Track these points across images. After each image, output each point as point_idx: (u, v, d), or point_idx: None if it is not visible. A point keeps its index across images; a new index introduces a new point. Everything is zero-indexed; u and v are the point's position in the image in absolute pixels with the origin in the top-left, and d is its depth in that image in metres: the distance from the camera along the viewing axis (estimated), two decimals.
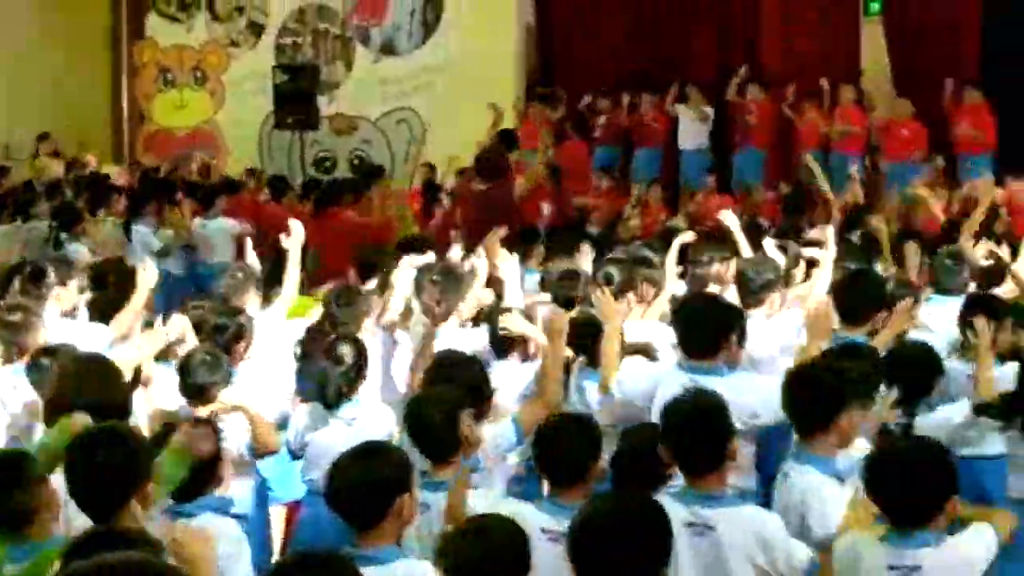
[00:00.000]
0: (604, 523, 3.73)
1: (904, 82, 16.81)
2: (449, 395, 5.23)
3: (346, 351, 6.22)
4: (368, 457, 4.37)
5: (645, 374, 6.17)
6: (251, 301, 7.72)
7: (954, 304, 7.29)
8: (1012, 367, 6.23)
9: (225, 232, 13.32)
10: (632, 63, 17.14)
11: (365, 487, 4.24)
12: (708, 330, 5.85)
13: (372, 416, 6.19)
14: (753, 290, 7.12)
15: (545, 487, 5.07)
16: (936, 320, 7.25)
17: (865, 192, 13.68)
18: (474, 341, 6.84)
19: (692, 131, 16.18)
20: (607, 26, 17.18)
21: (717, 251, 8.30)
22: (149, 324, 6.70)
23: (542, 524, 4.55)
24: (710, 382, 5.49)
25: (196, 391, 6.10)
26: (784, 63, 16.71)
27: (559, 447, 4.81)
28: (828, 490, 4.74)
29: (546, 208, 13.76)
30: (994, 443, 6.20)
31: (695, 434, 4.64)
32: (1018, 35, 16.46)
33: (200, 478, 4.85)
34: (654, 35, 17.25)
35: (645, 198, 14.46)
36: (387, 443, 4.99)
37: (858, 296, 6.70)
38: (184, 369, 6.13)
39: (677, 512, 4.26)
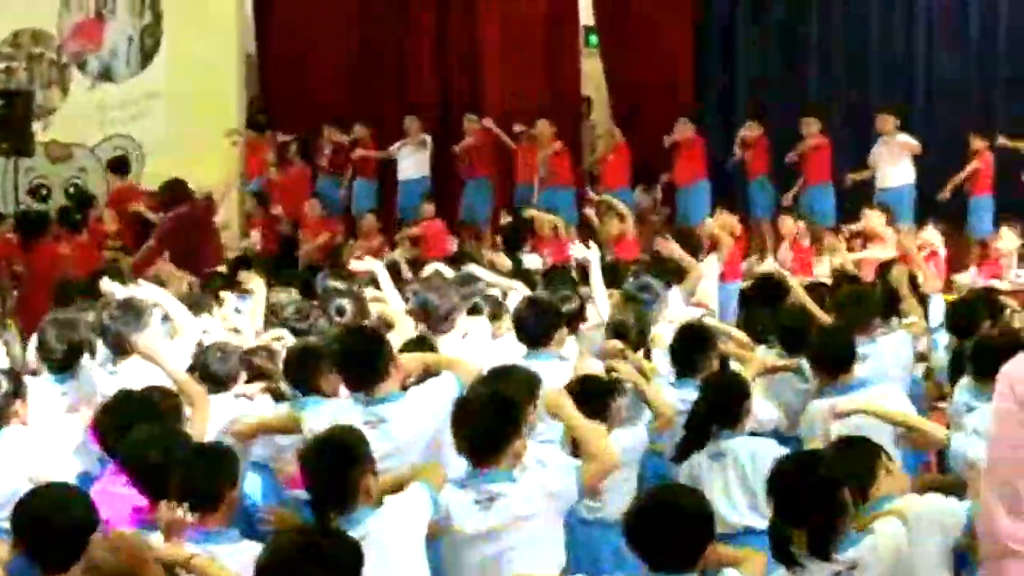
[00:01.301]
0: (288, 558, 3.80)
1: (623, 113, 17.28)
2: (162, 432, 5.13)
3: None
4: (63, 497, 4.34)
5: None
6: None
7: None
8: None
9: None
10: (353, 92, 17.18)
11: (63, 527, 4.18)
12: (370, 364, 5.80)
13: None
14: (441, 316, 7.24)
15: None
16: None
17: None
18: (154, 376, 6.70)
19: (411, 161, 16.19)
20: (328, 55, 17.21)
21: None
22: None
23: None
24: (384, 410, 5.58)
25: None
26: (505, 93, 16.92)
27: (192, 475, 4.76)
28: None
29: (255, 235, 13.76)
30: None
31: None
32: (729, 69, 17.19)
33: None
34: (376, 65, 17.30)
35: (370, 226, 14.50)
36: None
37: (534, 320, 6.87)
38: None
39: None
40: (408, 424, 5.54)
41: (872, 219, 12.61)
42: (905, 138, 14.22)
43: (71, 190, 17.35)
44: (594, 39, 18.12)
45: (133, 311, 7.04)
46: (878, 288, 8.50)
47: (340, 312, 7.51)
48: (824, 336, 6.92)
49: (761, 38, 17.05)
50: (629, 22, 17.18)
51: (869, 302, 7.81)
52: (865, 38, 16.39)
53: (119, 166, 15.65)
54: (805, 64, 16.70)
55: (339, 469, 4.61)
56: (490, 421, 4.94)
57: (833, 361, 6.55)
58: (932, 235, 12.35)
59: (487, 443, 4.92)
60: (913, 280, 9.49)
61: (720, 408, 5.95)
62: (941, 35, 16.06)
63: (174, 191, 11.94)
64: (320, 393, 6.25)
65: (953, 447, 5.60)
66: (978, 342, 6.66)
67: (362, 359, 5.75)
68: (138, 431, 5.15)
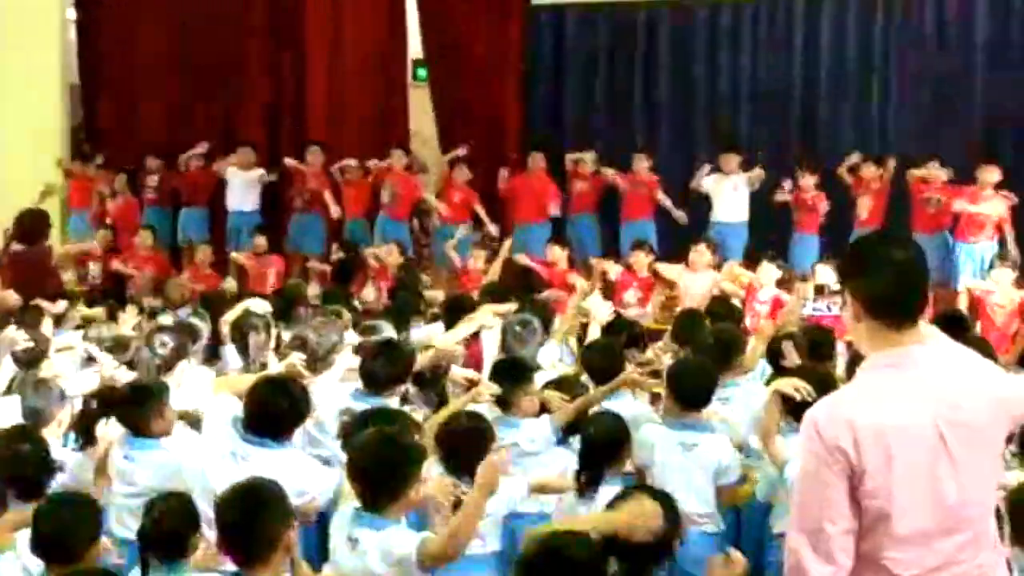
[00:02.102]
0: None
1: (451, 148, 17.39)
2: None
3: None
4: None
5: None
6: None
7: None
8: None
9: None
10: (180, 123, 17.00)
11: None
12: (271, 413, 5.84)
13: None
14: (321, 355, 7.26)
15: None
16: None
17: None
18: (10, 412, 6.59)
19: (242, 193, 15.98)
20: (155, 85, 16.98)
21: None
22: None
23: None
24: (263, 454, 5.63)
25: None
26: (333, 125, 16.89)
27: (55, 525, 4.73)
28: None
29: (93, 267, 13.56)
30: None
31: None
32: (557, 111, 17.45)
33: None
34: (203, 94, 17.11)
35: (202, 259, 14.32)
36: None
37: (384, 365, 6.93)
38: None
39: None
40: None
41: (704, 255, 12.72)
42: (748, 176, 14.60)
43: None
44: (422, 72, 18.23)
45: None
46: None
47: (163, 345, 7.44)
48: (690, 370, 6.86)
49: (586, 64, 17.36)
50: (459, 54, 17.33)
51: (738, 341, 7.85)
52: (690, 58, 16.80)
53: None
54: (631, 80, 17.02)
55: (253, 520, 4.45)
56: (388, 469, 4.83)
57: (694, 397, 6.60)
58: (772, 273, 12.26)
59: (382, 491, 4.82)
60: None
61: (608, 450, 5.98)
62: (766, 45, 16.56)
63: (35, 222, 11.56)
64: (150, 434, 6.20)
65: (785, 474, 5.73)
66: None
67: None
68: None
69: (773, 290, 11.81)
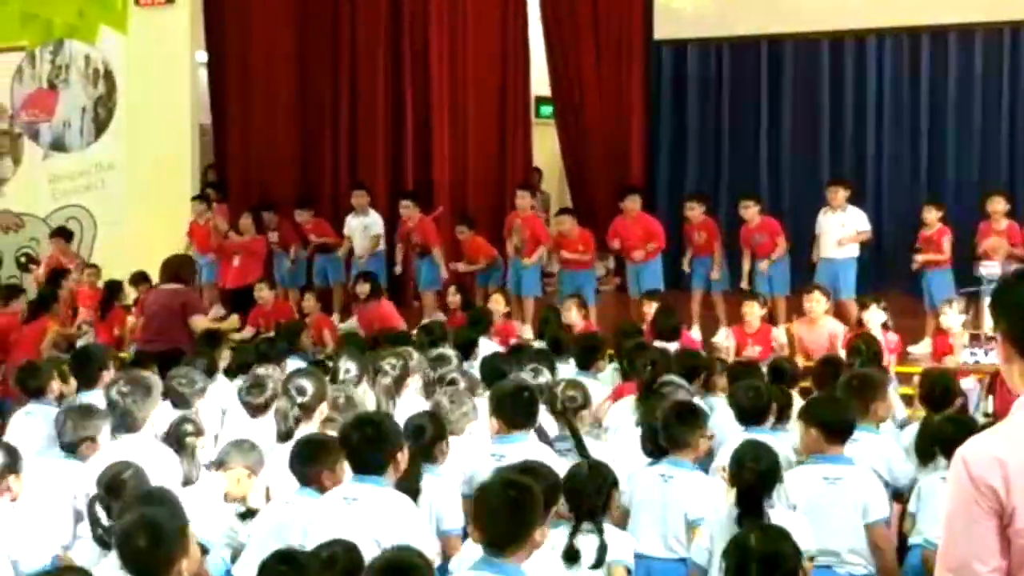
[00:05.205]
0: None
1: (576, 183, 17.43)
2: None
3: None
4: None
5: None
6: None
7: None
8: None
9: None
10: (305, 165, 17.17)
11: None
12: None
13: None
14: (451, 420, 7.15)
15: None
16: None
17: None
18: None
19: (362, 238, 15.54)
20: (282, 131, 17.16)
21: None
22: None
23: None
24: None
25: None
26: (456, 164, 16.93)
27: (136, 545, 4.69)
28: None
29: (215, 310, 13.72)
30: None
31: None
32: (681, 145, 17.44)
33: None
34: (327, 144, 17.20)
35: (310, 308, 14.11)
36: None
37: (513, 404, 6.95)
38: None
39: None
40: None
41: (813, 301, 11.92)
42: (856, 217, 13.99)
43: (23, 259, 17.37)
44: (545, 109, 18.30)
45: (143, 388, 6.99)
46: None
47: (301, 392, 7.28)
48: (831, 403, 6.84)
49: (709, 98, 17.38)
50: (583, 90, 17.36)
51: (875, 385, 7.63)
52: (816, 124, 16.73)
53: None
54: (756, 140, 16.99)
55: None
56: (510, 513, 4.77)
57: (838, 428, 6.48)
58: (875, 315, 11.47)
59: (504, 535, 4.76)
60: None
61: (765, 480, 5.87)
62: (890, 115, 16.43)
63: (182, 265, 11.75)
64: (319, 486, 6.05)
65: None
66: (956, 425, 6.54)
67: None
68: (131, 514, 4.97)
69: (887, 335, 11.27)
